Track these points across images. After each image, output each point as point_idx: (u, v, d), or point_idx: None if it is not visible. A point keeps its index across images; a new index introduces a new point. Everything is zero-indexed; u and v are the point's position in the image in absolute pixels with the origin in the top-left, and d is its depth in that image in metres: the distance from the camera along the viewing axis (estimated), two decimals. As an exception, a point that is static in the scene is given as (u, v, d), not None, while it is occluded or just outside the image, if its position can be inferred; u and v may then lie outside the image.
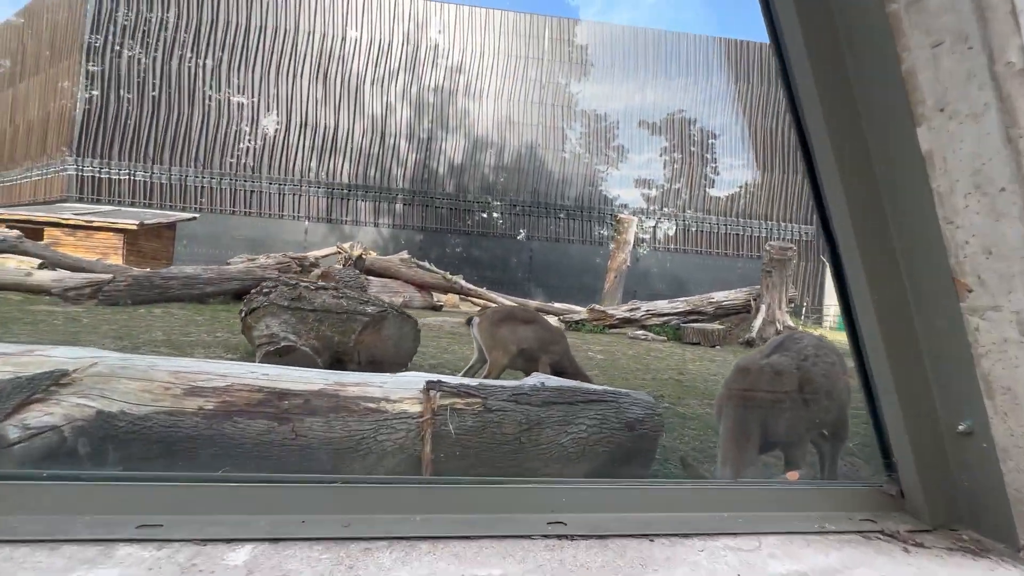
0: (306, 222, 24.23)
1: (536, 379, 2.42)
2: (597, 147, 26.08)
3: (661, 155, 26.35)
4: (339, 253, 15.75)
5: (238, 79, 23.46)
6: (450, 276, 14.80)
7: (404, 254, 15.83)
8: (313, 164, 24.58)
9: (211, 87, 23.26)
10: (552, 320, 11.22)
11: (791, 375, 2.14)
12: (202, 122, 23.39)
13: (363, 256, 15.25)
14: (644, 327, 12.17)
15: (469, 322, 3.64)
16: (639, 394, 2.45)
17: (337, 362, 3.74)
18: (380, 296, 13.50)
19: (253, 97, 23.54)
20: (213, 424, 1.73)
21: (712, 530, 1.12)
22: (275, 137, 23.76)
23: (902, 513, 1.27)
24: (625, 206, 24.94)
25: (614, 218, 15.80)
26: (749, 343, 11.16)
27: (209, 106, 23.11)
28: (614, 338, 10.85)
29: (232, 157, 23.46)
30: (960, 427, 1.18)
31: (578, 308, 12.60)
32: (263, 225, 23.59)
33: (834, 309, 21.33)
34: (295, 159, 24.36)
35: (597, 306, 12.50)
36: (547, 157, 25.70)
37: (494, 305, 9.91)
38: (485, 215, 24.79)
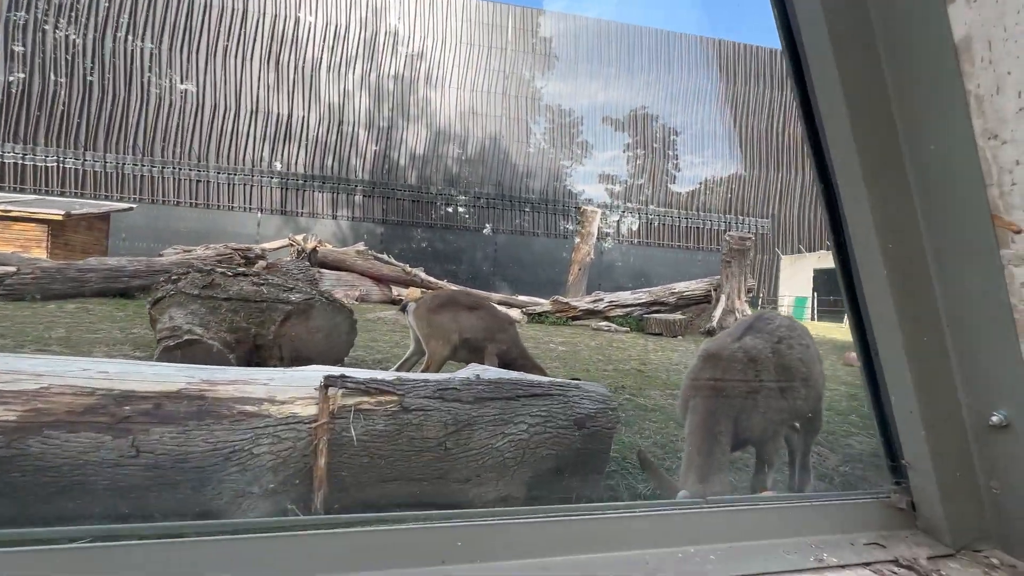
0: (259, 214, 23.02)
1: (470, 371, 2.04)
2: (562, 142, 25.96)
3: (625, 151, 26.53)
4: (291, 245, 14.94)
5: (181, 62, 21.95)
6: (410, 268, 14.20)
7: (360, 246, 15.08)
8: (265, 153, 23.35)
9: (151, 70, 21.68)
10: (512, 313, 10.89)
11: (766, 360, 1.84)
12: (140, 107, 21.77)
13: (317, 249, 14.49)
14: (607, 318, 12.00)
15: (404, 308, 3.21)
16: (592, 385, 2.12)
17: (256, 358, 3.25)
18: (335, 290, 12.83)
19: (198, 82, 22.11)
20: (13, 442, 1.26)
21: (673, 576, 0.78)
22: (223, 124, 22.42)
23: (915, 532, 0.97)
24: (590, 201, 24.91)
25: (578, 211, 15.60)
26: (710, 332, 11.17)
27: (149, 90, 21.53)
28: (577, 330, 10.62)
29: (176, 144, 21.99)
30: (992, 419, 0.89)
31: (542, 300, 12.32)
32: (212, 217, 22.25)
33: (788, 300, 22.04)
34: (245, 147, 23.07)
35: (560, 298, 12.23)
36: (511, 150, 25.38)
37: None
38: (450, 208, 24.23)
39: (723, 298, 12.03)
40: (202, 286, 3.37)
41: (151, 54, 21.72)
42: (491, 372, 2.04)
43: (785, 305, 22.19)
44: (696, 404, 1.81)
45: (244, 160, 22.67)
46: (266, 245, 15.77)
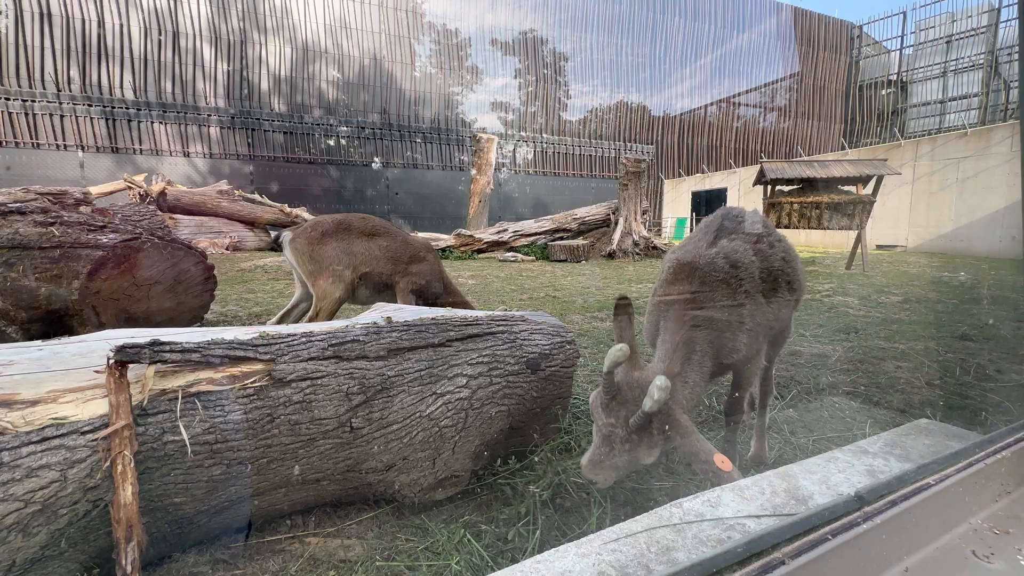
0: (80, 152, 18.51)
1: (376, 314, 1.44)
2: (450, 66, 23.94)
3: (516, 77, 25.47)
4: (130, 188, 12.22)
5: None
6: (289, 208, 12.42)
7: (223, 184, 12.77)
8: (73, 73, 18.46)
9: None
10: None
11: (751, 265, 1.51)
12: None
13: (166, 191, 12.02)
14: (512, 248, 11.75)
15: (277, 241, 2.40)
16: (538, 315, 1.65)
17: (60, 330, 2.28)
18: (197, 239, 10.81)
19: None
20: None
21: None
22: (-1, 31, 17.11)
23: None
24: (484, 130, 23.75)
25: (473, 139, 14.63)
26: (611, 255, 11.49)
27: None
28: (484, 262, 10.21)
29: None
30: None
31: (444, 236, 11.64)
32: (11, 158, 17.41)
33: (671, 221, 23.72)
34: (41, 65, 18.00)
35: (464, 231, 11.63)
36: (396, 72, 22.86)
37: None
38: (331, 141, 21.51)
39: (621, 221, 12.35)
40: (-55, 232, 2.23)
41: None
42: (407, 312, 1.47)
43: (668, 226, 23.93)
44: (668, 326, 1.44)
45: (43, 82, 17.72)
46: (93, 189, 12.76)
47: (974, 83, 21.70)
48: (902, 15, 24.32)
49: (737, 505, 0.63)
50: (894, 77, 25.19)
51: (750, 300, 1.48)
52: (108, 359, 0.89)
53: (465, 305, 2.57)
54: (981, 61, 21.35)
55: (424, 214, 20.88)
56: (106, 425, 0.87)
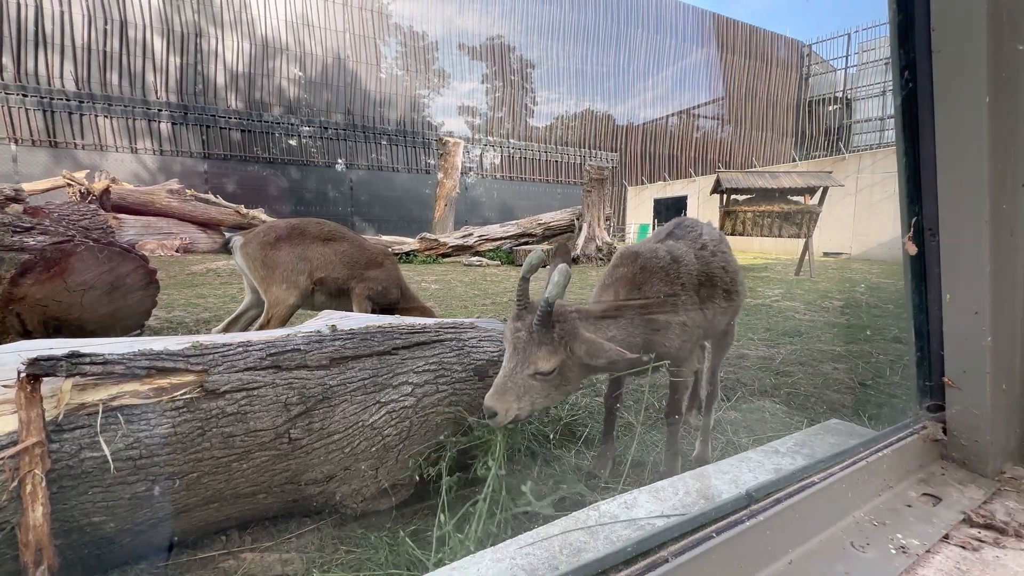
0: (13, 145, 17.29)
1: (321, 322, 1.42)
2: (417, 68, 23.73)
3: (483, 82, 25.53)
4: (69, 185, 11.50)
5: None
6: (245, 210, 11.97)
7: (174, 183, 12.17)
8: (6, 60, 17.26)
9: None
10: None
11: (690, 264, 1.59)
12: None
13: (109, 189, 11.37)
14: (478, 253, 11.74)
15: (228, 245, 2.31)
16: (489, 322, 1.67)
17: (-20, 337, 2.12)
18: (144, 240, 10.27)
19: None
20: None
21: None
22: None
23: (951, 466, 0.75)
24: (451, 133, 23.65)
25: (439, 142, 14.53)
26: (575, 260, 11.67)
27: None
28: (449, 266, 10.16)
29: None
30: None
31: (408, 239, 11.52)
32: (-70, 151, 16.14)
33: (634, 227, 24.32)
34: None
35: (428, 234, 11.53)
36: (360, 73, 22.47)
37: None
38: (292, 140, 20.86)
39: (585, 226, 12.57)
40: None
41: None
42: (352, 320, 1.45)
43: (631, 232, 24.50)
44: (607, 297, 1.51)
45: (-30, 69, 16.50)
46: (27, 185, 11.93)
47: (909, 102, 23.33)
48: (847, 36, 25.93)
49: (651, 506, 0.66)
50: (840, 94, 26.79)
51: (685, 295, 1.55)
52: (19, 373, 0.84)
53: (424, 311, 2.55)
54: (915, 82, 22.97)
55: (389, 217, 20.58)
56: (15, 443, 0.82)
